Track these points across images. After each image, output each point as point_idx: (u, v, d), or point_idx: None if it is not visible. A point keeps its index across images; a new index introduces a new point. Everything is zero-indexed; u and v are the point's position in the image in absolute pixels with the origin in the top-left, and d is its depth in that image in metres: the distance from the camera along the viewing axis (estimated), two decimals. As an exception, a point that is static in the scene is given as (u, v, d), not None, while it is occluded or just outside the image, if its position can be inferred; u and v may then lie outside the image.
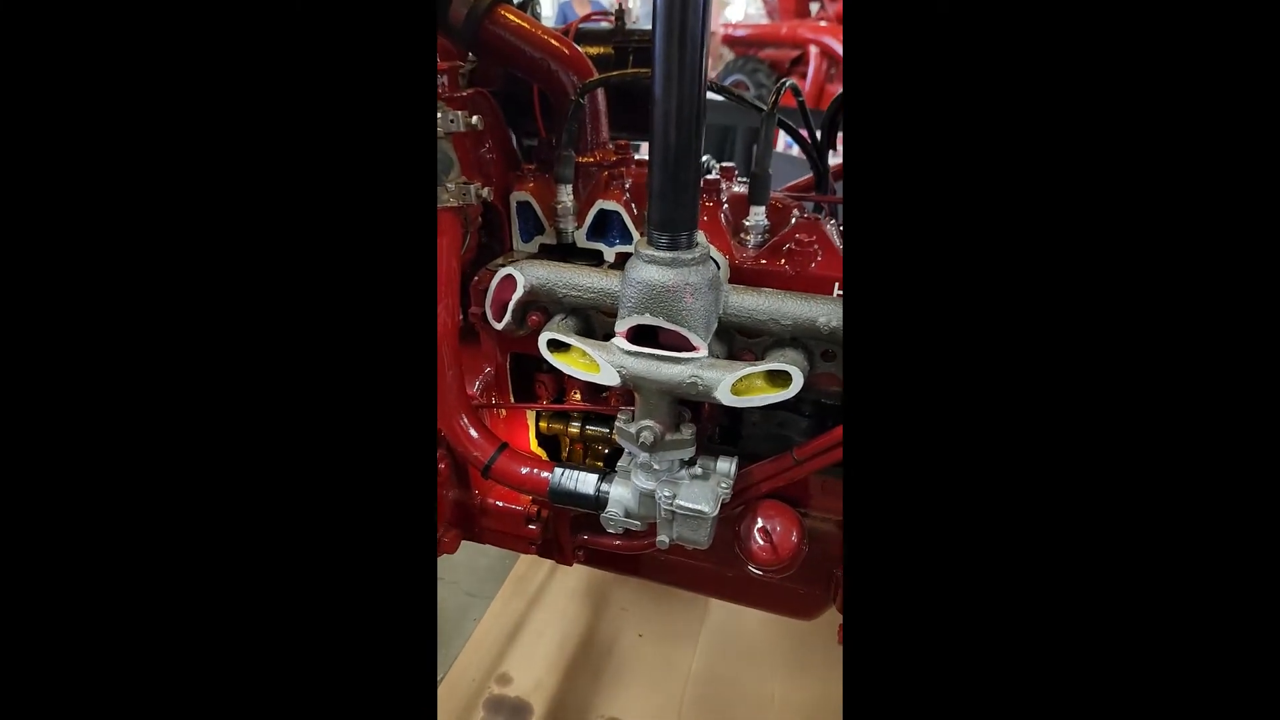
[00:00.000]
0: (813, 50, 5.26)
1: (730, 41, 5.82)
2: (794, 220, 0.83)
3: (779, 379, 0.70)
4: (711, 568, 0.92)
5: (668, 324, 0.68)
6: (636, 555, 0.94)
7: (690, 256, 0.67)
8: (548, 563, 1.74)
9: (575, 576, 1.78)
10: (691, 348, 0.70)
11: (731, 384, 0.68)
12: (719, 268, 0.78)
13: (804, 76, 5.22)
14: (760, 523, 0.78)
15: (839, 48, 5.10)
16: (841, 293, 0.76)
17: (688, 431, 0.74)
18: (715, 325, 0.71)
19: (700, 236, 0.69)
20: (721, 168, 0.95)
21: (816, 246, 0.78)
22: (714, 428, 0.90)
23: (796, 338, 0.73)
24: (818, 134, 1.03)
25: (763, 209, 0.82)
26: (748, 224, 0.83)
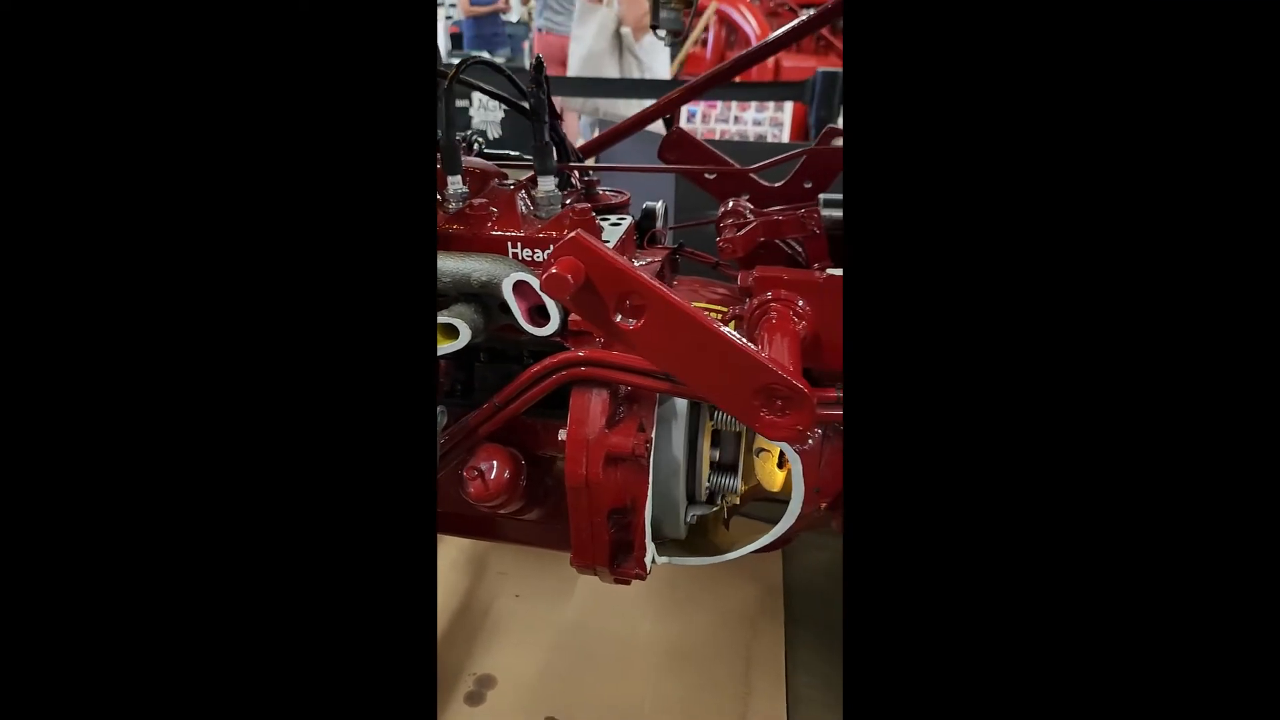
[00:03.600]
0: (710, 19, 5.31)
1: (634, 14, 5.83)
2: (492, 187, 0.90)
3: (449, 331, 0.78)
4: (475, 514, 1.00)
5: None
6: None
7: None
8: (428, 537, 1.80)
9: (457, 548, 1.85)
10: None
11: (397, 339, 0.76)
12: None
13: (704, 44, 5.26)
14: (474, 463, 0.85)
15: (735, 15, 5.16)
16: (515, 251, 0.83)
17: (382, 386, 0.81)
18: (384, 287, 0.78)
19: None
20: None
21: (492, 209, 0.85)
22: (453, 383, 0.97)
23: (472, 293, 0.80)
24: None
25: (458, 178, 0.89)
26: (447, 193, 0.90)
